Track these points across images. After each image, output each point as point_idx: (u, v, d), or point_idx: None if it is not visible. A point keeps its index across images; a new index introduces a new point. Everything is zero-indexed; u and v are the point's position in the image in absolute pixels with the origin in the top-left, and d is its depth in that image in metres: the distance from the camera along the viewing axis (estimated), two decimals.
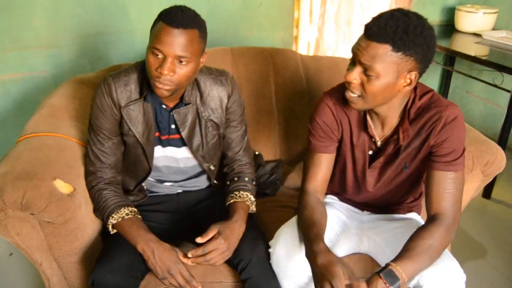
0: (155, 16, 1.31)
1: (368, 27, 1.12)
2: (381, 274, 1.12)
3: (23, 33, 2.48)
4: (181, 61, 1.23)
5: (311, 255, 1.16)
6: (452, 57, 3.13)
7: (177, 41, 1.20)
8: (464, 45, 2.77)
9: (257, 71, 2.01)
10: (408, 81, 1.17)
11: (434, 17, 3.26)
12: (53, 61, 2.60)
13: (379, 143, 1.33)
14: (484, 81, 2.67)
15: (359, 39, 1.15)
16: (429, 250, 1.16)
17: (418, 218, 1.49)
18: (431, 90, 1.28)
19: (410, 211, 1.49)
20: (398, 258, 1.15)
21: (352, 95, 1.20)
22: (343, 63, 2.10)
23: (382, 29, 1.09)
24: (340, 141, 1.38)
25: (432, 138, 1.24)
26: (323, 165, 1.37)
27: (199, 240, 1.31)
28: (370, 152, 1.36)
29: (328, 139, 1.35)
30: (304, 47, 3.21)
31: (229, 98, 1.46)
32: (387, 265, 1.14)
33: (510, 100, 2.31)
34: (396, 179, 1.38)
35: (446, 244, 1.21)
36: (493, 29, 2.94)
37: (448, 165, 1.23)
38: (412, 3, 3.15)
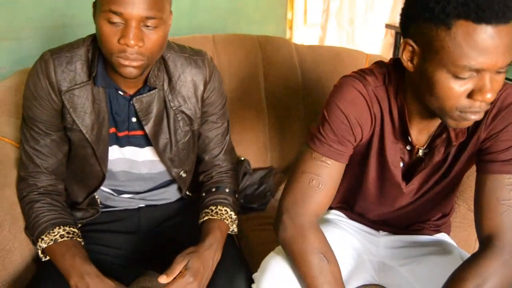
0: None
1: (485, 9, 0.76)
2: None
3: None
4: (148, 25, 0.95)
5: None
6: None
7: None
8: None
9: (244, 61, 1.73)
10: None
11: None
12: (13, 56, 2.32)
13: (420, 153, 1.00)
14: None
15: (472, 35, 0.78)
16: None
17: (449, 239, 1.16)
18: None
19: (438, 231, 1.15)
20: None
21: (483, 112, 0.86)
22: (344, 53, 1.84)
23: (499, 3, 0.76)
24: (369, 143, 1.02)
25: (483, 129, 0.93)
26: (333, 180, 0.99)
27: (162, 280, 0.98)
28: (401, 165, 1.03)
29: (350, 142, 0.99)
30: None
31: (205, 85, 1.15)
32: None
33: None
34: (430, 192, 1.05)
35: (507, 282, 0.87)
36: None
37: (506, 165, 0.91)
38: None
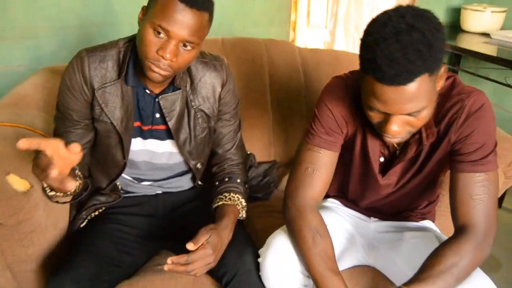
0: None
1: (381, 72, 0.85)
2: None
3: None
4: (185, 45, 1.06)
5: None
6: (457, 55, 2.97)
7: (189, 22, 1.03)
8: (471, 45, 2.61)
9: (250, 63, 1.84)
10: (441, 83, 0.98)
11: (438, 17, 3.12)
12: (31, 54, 2.42)
13: (397, 151, 1.13)
14: (493, 79, 2.50)
15: (373, 88, 0.89)
16: (454, 270, 0.96)
17: (433, 226, 1.29)
18: (452, 76, 1.08)
19: (424, 218, 1.29)
20: (415, 279, 0.96)
21: (398, 139, 1.01)
22: (344, 56, 1.95)
23: (402, 67, 0.84)
24: (352, 138, 1.16)
25: (453, 132, 1.04)
26: (327, 166, 1.13)
27: (190, 247, 1.08)
28: (382, 159, 1.16)
29: (338, 133, 1.13)
30: None
31: (223, 86, 1.28)
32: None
33: None
34: (409, 184, 1.18)
35: (477, 263, 1.00)
36: (502, 28, 2.79)
37: (475, 165, 1.02)
38: (415, 3, 3.02)
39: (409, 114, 0.92)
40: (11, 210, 1.07)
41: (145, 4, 1.14)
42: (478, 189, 1.02)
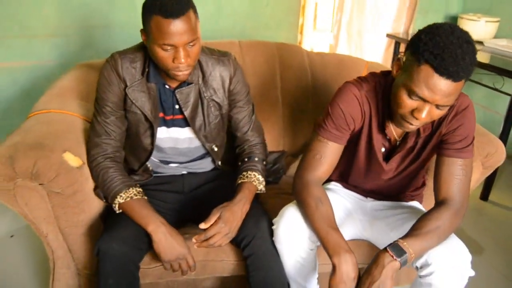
0: None
1: (444, 66, 1.05)
2: (387, 248, 1.14)
3: (32, 21, 2.52)
4: (190, 44, 1.26)
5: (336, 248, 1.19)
6: None
7: (183, 29, 1.21)
8: None
9: (264, 64, 2.04)
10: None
11: None
12: (60, 51, 2.64)
13: (397, 142, 1.35)
14: (484, 84, 2.71)
15: (428, 77, 1.07)
16: (437, 231, 1.18)
17: (419, 205, 1.51)
18: None
19: (413, 199, 1.51)
20: (405, 236, 1.18)
21: (417, 126, 1.20)
22: (348, 60, 2.15)
23: (461, 67, 1.05)
24: (358, 133, 1.37)
25: (444, 126, 1.27)
26: (332, 155, 1.34)
27: (202, 226, 1.33)
28: (383, 150, 1.37)
29: (346, 130, 1.33)
30: None
31: (231, 79, 1.47)
32: (394, 241, 1.16)
33: (509, 104, 2.35)
34: (405, 170, 1.40)
35: (454, 226, 1.23)
36: (495, 37, 2.99)
37: (458, 152, 1.25)
38: (416, 11, 3.22)
39: (439, 106, 1.12)
40: (68, 182, 1.30)
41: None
42: (458, 171, 1.25)
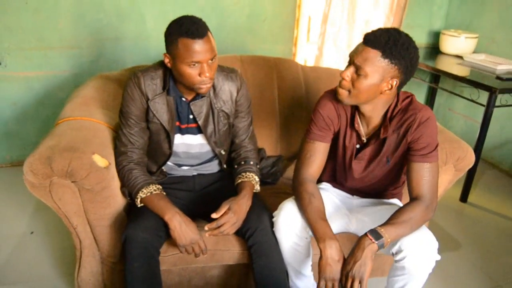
0: None
1: (366, 36, 1.38)
2: (367, 233, 1.37)
3: (48, 34, 2.74)
4: (211, 60, 1.48)
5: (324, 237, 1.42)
6: (437, 75, 3.43)
7: (206, 47, 1.44)
8: (447, 65, 3.05)
9: (263, 77, 2.26)
10: (390, 86, 1.42)
11: (421, 39, 3.57)
12: (74, 61, 2.85)
13: (364, 139, 1.58)
14: (462, 96, 2.94)
15: (357, 45, 1.41)
16: (410, 221, 1.41)
17: (399, 202, 1.73)
18: (410, 95, 1.54)
19: (393, 197, 1.74)
20: (383, 224, 1.41)
21: (342, 90, 1.46)
22: (338, 73, 2.35)
23: (377, 38, 1.35)
24: (337, 134, 1.62)
25: (409, 135, 1.49)
26: (320, 153, 1.60)
27: (214, 215, 1.54)
28: (358, 146, 1.60)
29: (327, 130, 1.59)
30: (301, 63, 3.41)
31: (238, 92, 1.69)
32: (374, 228, 1.39)
33: (484, 114, 2.59)
34: (380, 170, 1.62)
35: (425, 219, 1.45)
36: (474, 52, 3.24)
37: (424, 157, 1.48)
38: (401, 27, 3.45)
39: (357, 72, 1.39)
40: (98, 180, 1.50)
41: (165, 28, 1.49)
42: (426, 173, 1.47)
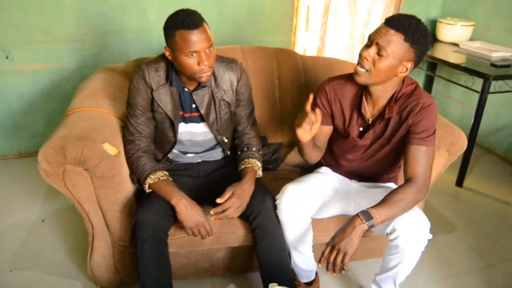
0: None
1: (389, 18, 1.45)
2: (359, 213, 1.45)
3: (53, 28, 2.80)
4: (209, 49, 1.54)
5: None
6: (434, 63, 3.49)
7: (203, 37, 1.50)
8: (444, 53, 3.12)
9: (263, 67, 2.32)
10: (405, 69, 1.50)
11: None
12: (78, 54, 2.92)
13: (370, 121, 1.65)
14: (458, 83, 3.01)
15: (380, 27, 1.48)
16: (401, 201, 1.48)
17: (394, 186, 1.81)
18: (415, 82, 1.61)
19: (389, 181, 1.82)
20: (376, 205, 1.48)
21: (361, 69, 1.51)
22: (336, 63, 2.43)
23: (401, 22, 1.43)
24: (333, 118, 1.70)
25: (410, 118, 1.56)
26: (322, 134, 1.72)
27: (218, 200, 1.62)
28: (361, 129, 1.68)
29: (324, 112, 1.68)
30: (300, 52, 3.45)
31: (238, 81, 1.76)
32: (366, 209, 1.47)
33: (478, 101, 2.66)
34: (379, 153, 1.70)
35: (417, 200, 1.52)
36: (470, 39, 3.30)
37: (421, 140, 1.55)
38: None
39: (379, 53, 1.45)
40: (109, 167, 1.59)
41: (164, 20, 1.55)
42: (422, 156, 1.55)
